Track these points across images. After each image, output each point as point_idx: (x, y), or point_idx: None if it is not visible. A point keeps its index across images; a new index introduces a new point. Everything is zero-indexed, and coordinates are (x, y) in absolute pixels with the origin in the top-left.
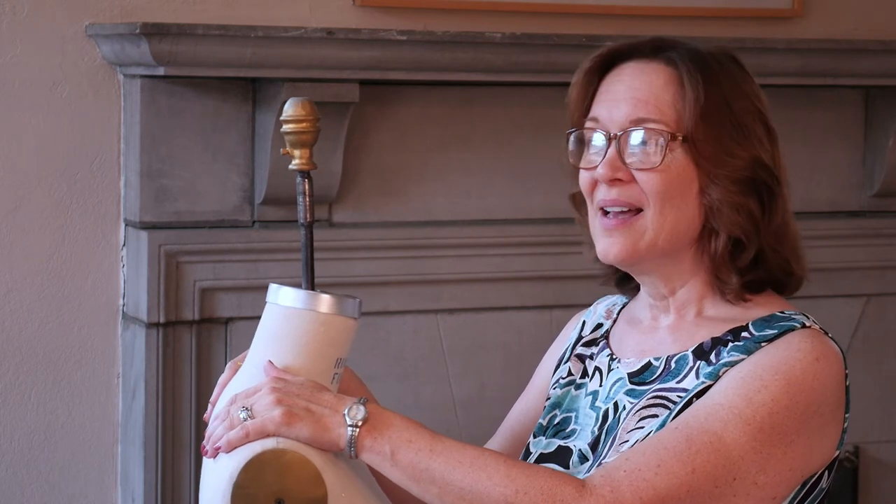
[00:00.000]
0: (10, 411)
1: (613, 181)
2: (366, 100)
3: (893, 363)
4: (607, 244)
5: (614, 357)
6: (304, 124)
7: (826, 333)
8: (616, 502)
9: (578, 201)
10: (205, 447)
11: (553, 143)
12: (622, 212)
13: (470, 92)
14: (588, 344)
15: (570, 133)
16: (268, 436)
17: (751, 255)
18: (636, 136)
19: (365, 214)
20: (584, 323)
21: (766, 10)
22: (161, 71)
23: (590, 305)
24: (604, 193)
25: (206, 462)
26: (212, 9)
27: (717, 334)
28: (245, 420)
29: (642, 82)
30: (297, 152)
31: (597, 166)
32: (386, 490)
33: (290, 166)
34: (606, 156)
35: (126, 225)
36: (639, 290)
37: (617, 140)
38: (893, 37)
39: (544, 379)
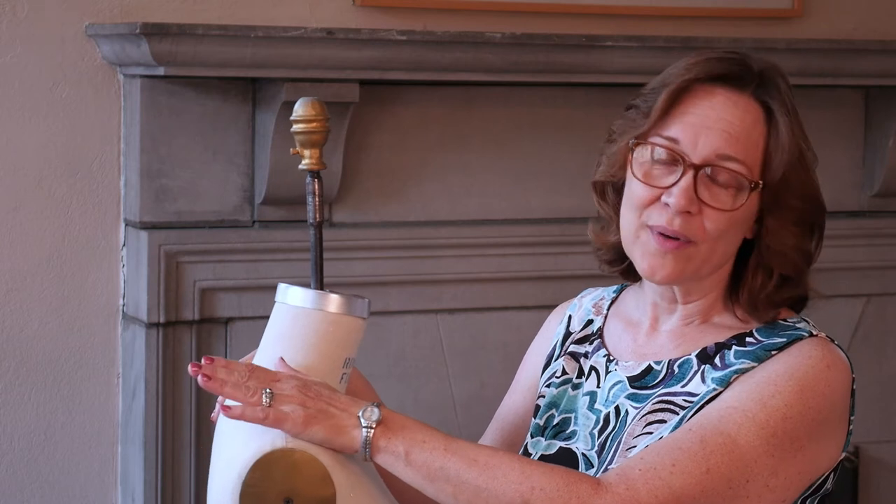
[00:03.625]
0: (10, 411)
1: (682, 212)
2: (366, 100)
3: (893, 363)
4: (657, 265)
5: (611, 358)
6: (314, 124)
7: (832, 341)
8: (632, 500)
9: (600, 189)
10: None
11: (553, 143)
12: (676, 238)
13: (470, 92)
14: (581, 341)
15: (640, 143)
16: (282, 430)
17: (798, 292)
18: (720, 175)
19: (365, 214)
20: (569, 317)
21: (766, 10)
22: (161, 71)
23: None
24: (665, 220)
25: (214, 461)
26: (212, 9)
27: (721, 339)
28: (267, 403)
29: (734, 116)
30: (307, 152)
31: (665, 188)
32: (394, 492)
33: (301, 166)
34: (682, 184)
35: (126, 225)
36: (639, 278)
37: (696, 171)
38: (893, 37)
39: (531, 375)
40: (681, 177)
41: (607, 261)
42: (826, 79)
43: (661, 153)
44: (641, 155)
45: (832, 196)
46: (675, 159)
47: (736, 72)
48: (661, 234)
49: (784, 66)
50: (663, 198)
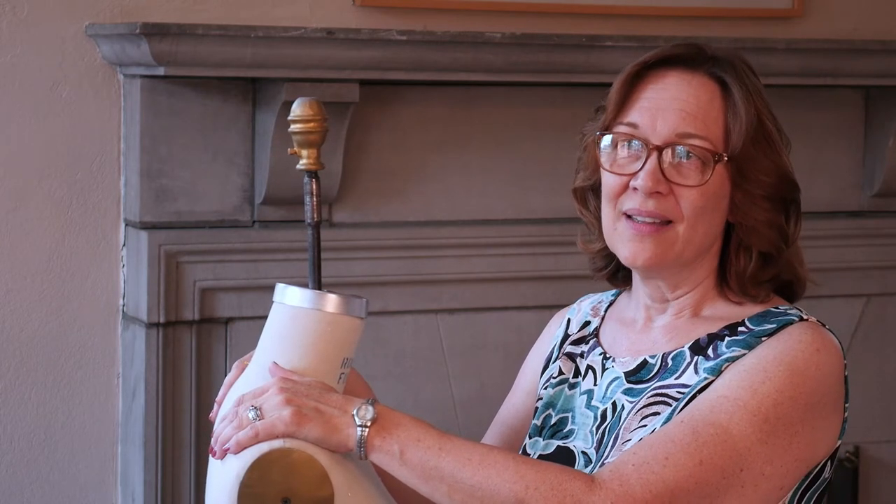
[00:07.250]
0: (10, 411)
1: (652, 193)
2: (366, 100)
3: (893, 363)
4: (637, 249)
5: (608, 356)
6: (311, 124)
7: (823, 325)
8: (626, 495)
9: (580, 196)
10: (212, 448)
11: (553, 143)
12: (653, 221)
13: (470, 92)
14: (577, 342)
15: (603, 135)
16: (277, 436)
17: (778, 269)
18: (682, 152)
19: (365, 214)
20: (568, 321)
21: (766, 10)
22: (161, 71)
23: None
24: (638, 203)
25: (213, 461)
26: (212, 9)
27: (713, 331)
28: (254, 420)
29: (689, 95)
30: (304, 152)
31: (633, 174)
32: (391, 491)
33: (298, 166)
34: (647, 167)
35: (126, 225)
36: (628, 282)
37: (659, 152)
38: (893, 37)
39: (531, 378)
40: (645, 160)
41: (597, 268)
42: (826, 79)
43: (624, 141)
44: (606, 146)
45: (832, 196)
46: (639, 145)
47: (687, 54)
48: (637, 220)
49: (784, 67)
50: (631, 182)
